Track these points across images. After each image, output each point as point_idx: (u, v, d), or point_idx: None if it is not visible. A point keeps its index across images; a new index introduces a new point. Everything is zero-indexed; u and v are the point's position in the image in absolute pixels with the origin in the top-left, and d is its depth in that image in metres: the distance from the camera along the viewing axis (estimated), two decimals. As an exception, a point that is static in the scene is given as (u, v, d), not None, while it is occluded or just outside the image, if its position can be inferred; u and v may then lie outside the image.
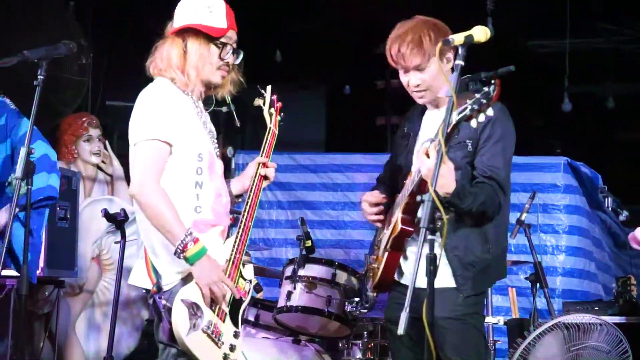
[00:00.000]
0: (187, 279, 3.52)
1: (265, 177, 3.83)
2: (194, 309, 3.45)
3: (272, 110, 4.01)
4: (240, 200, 3.89)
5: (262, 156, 3.83)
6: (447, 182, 3.47)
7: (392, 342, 4.09)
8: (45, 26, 6.39)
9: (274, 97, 4.04)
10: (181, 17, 3.66)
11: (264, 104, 4.02)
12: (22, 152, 3.84)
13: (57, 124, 6.00)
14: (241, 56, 3.73)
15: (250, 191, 3.76)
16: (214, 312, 3.52)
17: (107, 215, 5.15)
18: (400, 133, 4.06)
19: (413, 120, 3.99)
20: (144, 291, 3.67)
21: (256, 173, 3.80)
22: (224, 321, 3.57)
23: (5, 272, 4.32)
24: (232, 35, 3.69)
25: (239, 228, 3.66)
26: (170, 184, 3.53)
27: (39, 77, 3.83)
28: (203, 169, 3.60)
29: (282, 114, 4.03)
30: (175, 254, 3.44)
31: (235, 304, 3.64)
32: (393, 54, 3.79)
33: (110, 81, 7.60)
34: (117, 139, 7.45)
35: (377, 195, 4.00)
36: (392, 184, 4.06)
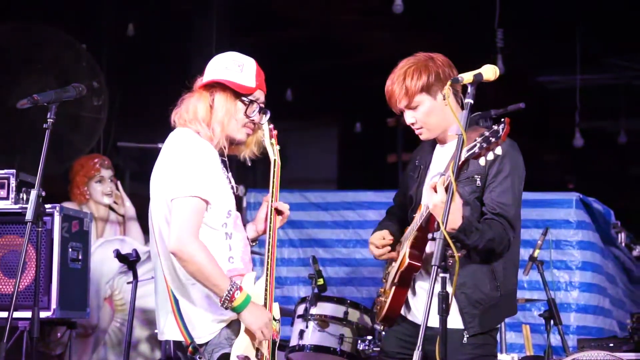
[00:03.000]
0: (229, 327, 3.52)
1: (279, 212, 3.76)
2: None
3: (273, 140, 3.86)
4: (255, 244, 3.86)
5: (271, 192, 3.75)
6: (453, 217, 3.44)
7: None
8: (59, 68, 6.44)
9: (271, 125, 3.87)
10: (211, 73, 3.65)
11: (262, 135, 3.85)
12: (33, 194, 3.82)
13: (70, 165, 6.03)
14: (268, 115, 3.72)
15: (269, 230, 3.71)
16: None
17: (119, 256, 5.16)
18: (412, 165, 4.04)
19: (425, 153, 3.98)
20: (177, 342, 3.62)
21: (270, 212, 3.73)
22: None
23: (17, 314, 4.32)
24: (260, 95, 3.67)
25: (266, 269, 3.63)
26: (204, 237, 3.50)
27: (48, 120, 3.84)
28: (228, 224, 3.59)
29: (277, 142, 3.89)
30: (222, 305, 3.43)
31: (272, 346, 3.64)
32: (387, 98, 3.81)
33: (122, 122, 7.65)
34: (129, 179, 7.49)
35: (383, 239, 3.97)
36: (403, 216, 4.05)
